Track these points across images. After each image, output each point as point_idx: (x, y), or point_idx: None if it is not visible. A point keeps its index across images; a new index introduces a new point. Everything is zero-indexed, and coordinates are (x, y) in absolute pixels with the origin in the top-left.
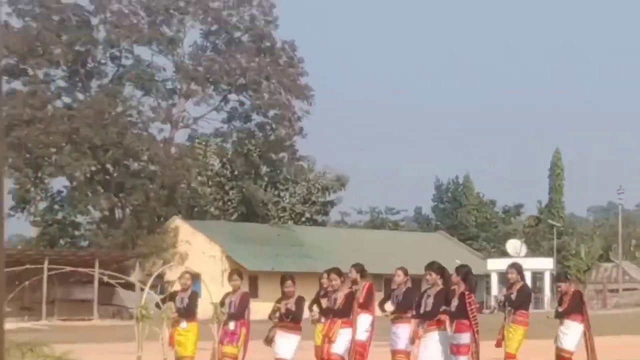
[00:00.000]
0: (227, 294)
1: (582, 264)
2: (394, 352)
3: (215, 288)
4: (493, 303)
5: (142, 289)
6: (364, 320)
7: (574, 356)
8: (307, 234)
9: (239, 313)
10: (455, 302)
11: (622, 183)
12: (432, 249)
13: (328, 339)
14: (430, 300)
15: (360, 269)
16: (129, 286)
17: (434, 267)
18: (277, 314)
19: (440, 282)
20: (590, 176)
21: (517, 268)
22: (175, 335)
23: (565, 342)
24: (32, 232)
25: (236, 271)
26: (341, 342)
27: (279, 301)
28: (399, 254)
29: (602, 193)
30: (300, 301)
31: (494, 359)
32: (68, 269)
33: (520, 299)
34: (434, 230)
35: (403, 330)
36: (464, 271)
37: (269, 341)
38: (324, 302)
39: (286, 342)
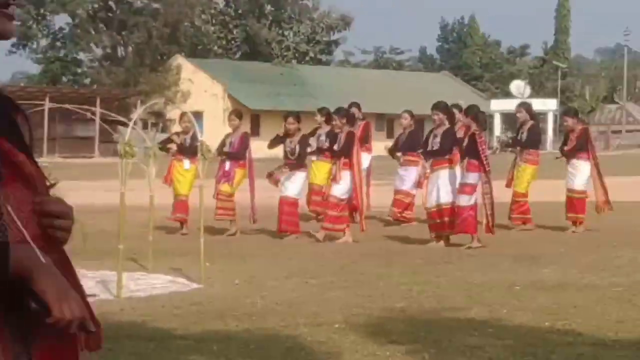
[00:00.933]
0: (227, 135)
1: (586, 105)
2: (397, 192)
3: (216, 126)
4: (495, 144)
5: (127, 125)
6: (362, 159)
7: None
8: (311, 73)
9: (238, 153)
10: (465, 142)
11: (630, 25)
12: (436, 89)
13: (333, 178)
14: (438, 140)
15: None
16: (126, 124)
17: (441, 106)
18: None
19: (447, 121)
20: (597, 17)
21: (525, 107)
22: (175, 173)
23: (574, 182)
24: (35, 69)
25: (235, 111)
26: (342, 185)
27: (275, 139)
28: (402, 94)
29: (610, 35)
30: (303, 140)
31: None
32: (69, 106)
33: (530, 138)
34: (439, 70)
35: (409, 173)
36: (474, 111)
37: (273, 179)
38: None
39: (292, 180)
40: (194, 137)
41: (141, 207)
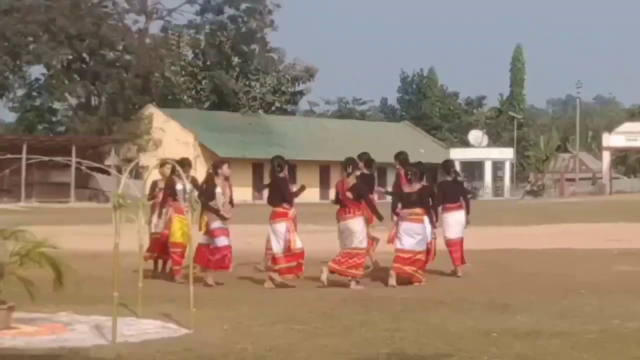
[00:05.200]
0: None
1: (541, 154)
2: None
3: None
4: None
5: (117, 175)
6: None
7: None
8: (277, 123)
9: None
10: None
11: (581, 77)
12: (398, 138)
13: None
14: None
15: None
16: (105, 171)
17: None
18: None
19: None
20: (550, 70)
21: (400, 159)
22: (176, 222)
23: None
24: (11, 117)
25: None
26: None
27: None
28: (366, 143)
29: (561, 86)
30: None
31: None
32: (46, 158)
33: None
34: (399, 120)
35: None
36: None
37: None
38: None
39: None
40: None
41: (127, 253)
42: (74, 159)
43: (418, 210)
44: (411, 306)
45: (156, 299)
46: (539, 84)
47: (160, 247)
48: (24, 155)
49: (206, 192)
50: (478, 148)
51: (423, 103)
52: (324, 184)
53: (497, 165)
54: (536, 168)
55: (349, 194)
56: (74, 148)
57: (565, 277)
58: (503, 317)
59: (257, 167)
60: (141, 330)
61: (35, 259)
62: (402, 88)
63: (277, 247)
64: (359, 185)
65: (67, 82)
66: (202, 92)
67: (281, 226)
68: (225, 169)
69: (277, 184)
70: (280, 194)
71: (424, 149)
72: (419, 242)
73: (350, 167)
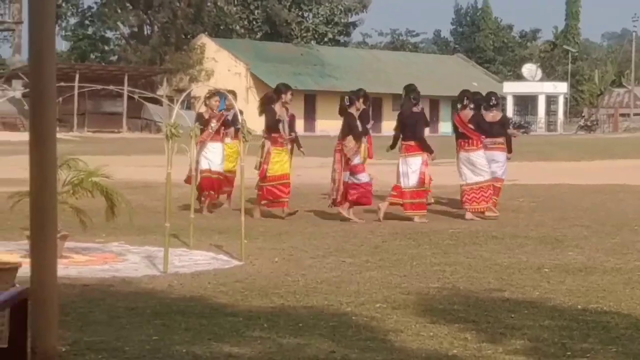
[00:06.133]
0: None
1: (596, 89)
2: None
3: (240, 104)
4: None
5: (169, 105)
6: None
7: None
8: (329, 54)
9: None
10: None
11: (637, 10)
12: (450, 71)
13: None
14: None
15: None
16: (157, 101)
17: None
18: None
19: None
20: (605, 2)
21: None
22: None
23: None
24: (64, 46)
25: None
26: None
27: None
28: (418, 75)
29: (617, 20)
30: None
31: None
32: (99, 87)
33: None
34: (453, 53)
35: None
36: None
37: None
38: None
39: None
40: (235, 117)
41: (178, 184)
42: (125, 89)
43: (500, 139)
44: (462, 240)
45: (208, 231)
46: (594, 17)
47: (217, 185)
48: (76, 84)
49: (274, 120)
50: (532, 82)
51: (476, 36)
52: (376, 117)
53: (551, 100)
54: (590, 103)
55: (470, 126)
56: (126, 77)
57: (618, 213)
58: (555, 253)
59: (309, 98)
60: (193, 261)
61: (88, 188)
62: (455, 20)
63: (406, 181)
64: (479, 117)
65: (119, 10)
66: (254, 22)
67: (416, 160)
68: (289, 96)
69: (415, 118)
70: (412, 129)
71: (477, 82)
72: (503, 170)
73: (466, 99)
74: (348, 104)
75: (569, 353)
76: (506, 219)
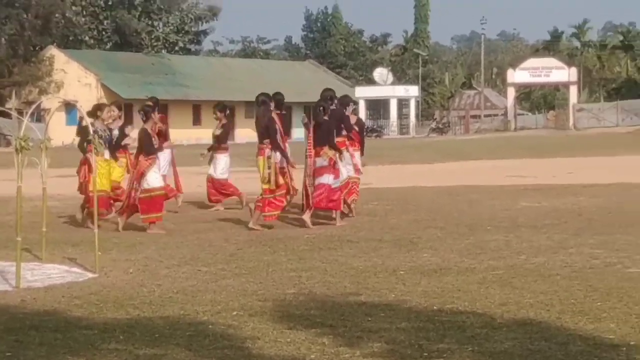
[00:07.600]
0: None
1: (446, 91)
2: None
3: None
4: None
5: (18, 118)
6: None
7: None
8: (180, 63)
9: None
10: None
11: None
12: (302, 77)
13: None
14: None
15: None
16: (6, 114)
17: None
18: None
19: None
20: (454, 6)
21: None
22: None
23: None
24: None
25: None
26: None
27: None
28: (270, 82)
29: (466, 23)
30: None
31: None
32: None
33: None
34: (304, 59)
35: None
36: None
37: None
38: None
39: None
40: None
41: (30, 198)
42: None
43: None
44: (318, 245)
45: (61, 244)
46: (443, 20)
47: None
48: None
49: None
50: (383, 86)
51: (327, 41)
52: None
53: (403, 103)
54: (441, 105)
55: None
56: None
57: (471, 213)
58: (410, 255)
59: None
60: (46, 275)
61: None
62: (306, 26)
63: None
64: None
65: None
66: (104, 33)
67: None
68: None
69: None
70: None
71: (330, 87)
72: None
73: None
74: (144, 118)
75: (425, 354)
76: (361, 223)
